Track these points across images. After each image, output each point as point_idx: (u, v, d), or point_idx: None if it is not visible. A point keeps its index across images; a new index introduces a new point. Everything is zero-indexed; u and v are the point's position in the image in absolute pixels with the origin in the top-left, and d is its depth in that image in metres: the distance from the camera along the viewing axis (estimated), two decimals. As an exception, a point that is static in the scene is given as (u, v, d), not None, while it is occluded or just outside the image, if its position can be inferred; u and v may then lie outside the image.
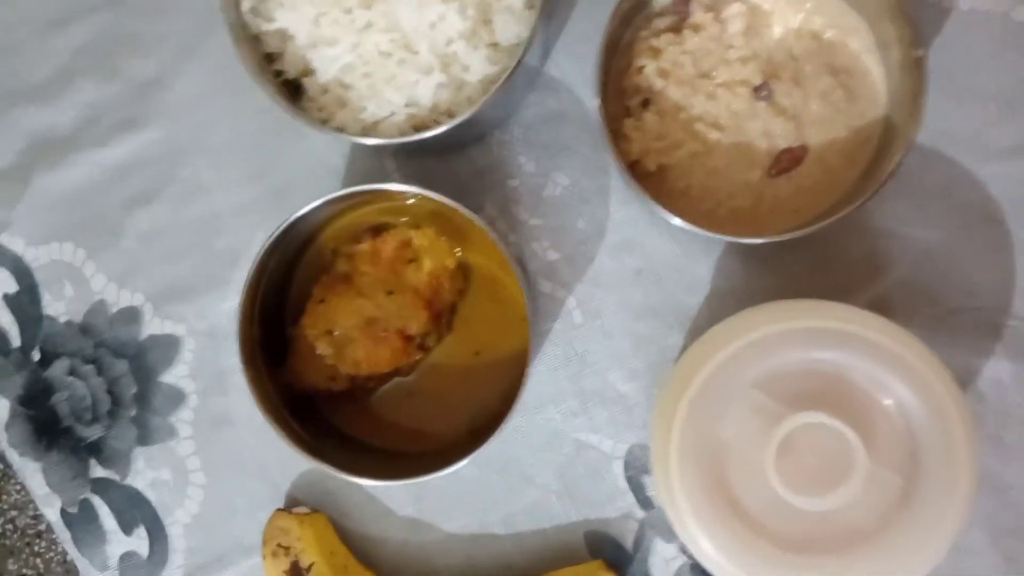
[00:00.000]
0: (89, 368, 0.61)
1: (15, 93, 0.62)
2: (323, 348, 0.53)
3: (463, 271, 0.56)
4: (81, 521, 0.61)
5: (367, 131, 0.53)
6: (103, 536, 0.61)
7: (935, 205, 0.56)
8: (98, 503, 0.61)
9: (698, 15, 0.52)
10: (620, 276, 0.58)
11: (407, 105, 0.52)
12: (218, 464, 0.60)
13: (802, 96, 0.52)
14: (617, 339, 0.58)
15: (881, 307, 0.55)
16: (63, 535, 0.61)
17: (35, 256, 0.62)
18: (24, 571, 1.10)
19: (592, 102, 0.58)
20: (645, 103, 0.53)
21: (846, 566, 0.45)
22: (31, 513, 1.11)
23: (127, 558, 0.61)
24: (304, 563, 0.55)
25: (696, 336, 0.53)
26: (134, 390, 0.61)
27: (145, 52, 0.61)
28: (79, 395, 0.61)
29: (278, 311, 0.56)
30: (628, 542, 0.57)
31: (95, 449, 0.61)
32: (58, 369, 0.62)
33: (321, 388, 0.54)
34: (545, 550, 0.58)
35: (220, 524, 0.60)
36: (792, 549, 0.45)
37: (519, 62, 0.49)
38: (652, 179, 0.54)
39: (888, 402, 0.45)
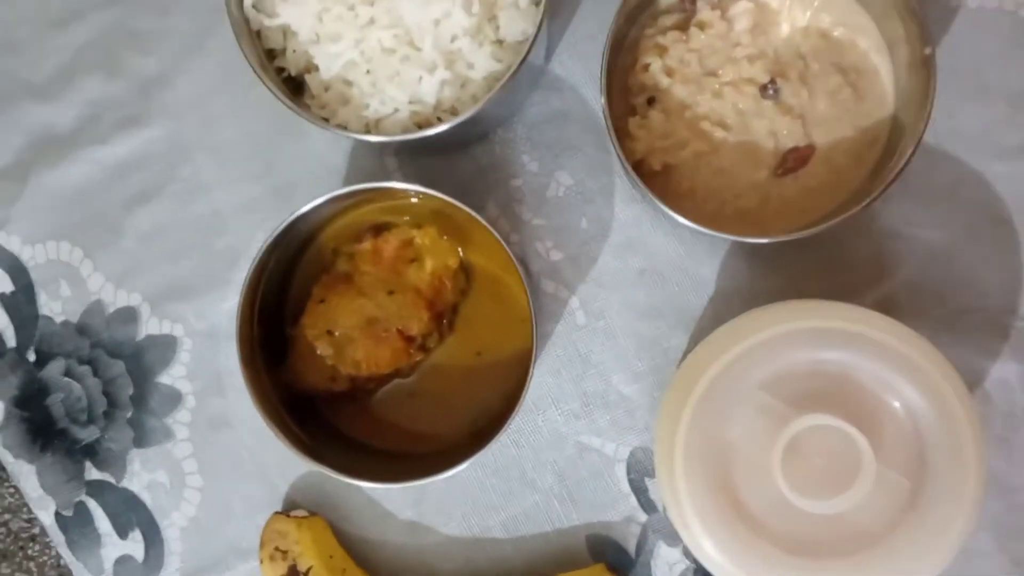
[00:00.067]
0: (85, 369, 0.61)
1: (16, 90, 0.62)
2: (323, 348, 0.53)
3: (465, 271, 0.56)
4: (76, 524, 0.60)
5: (369, 129, 0.53)
6: (98, 539, 0.60)
7: (942, 205, 0.56)
8: (93, 506, 0.60)
9: (705, 12, 0.52)
10: (624, 276, 0.58)
11: (410, 102, 0.52)
12: (215, 466, 0.60)
13: (809, 95, 0.52)
14: (620, 340, 0.57)
15: (888, 308, 0.55)
16: (57, 538, 0.61)
17: (31, 255, 0.62)
18: (17, 575, 1.09)
19: (596, 101, 0.58)
20: (650, 101, 0.53)
21: (853, 569, 0.44)
22: (25, 516, 1.10)
23: (122, 562, 0.60)
24: (302, 567, 0.55)
25: (700, 337, 0.53)
26: (131, 391, 0.60)
27: (147, 50, 0.61)
28: (75, 396, 0.61)
29: (277, 311, 0.56)
30: (631, 546, 0.57)
31: (90, 451, 0.60)
32: (54, 370, 0.61)
33: (321, 389, 0.54)
34: (546, 554, 0.57)
35: (217, 527, 0.59)
36: (798, 552, 0.45)
37: (524, 59, 0.49)
38: (657, 178, 0.53)
39: (895, 403, 0.45)
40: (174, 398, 0.60)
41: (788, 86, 0.51)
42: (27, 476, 0.61)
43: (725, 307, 0.57)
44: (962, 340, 0.55)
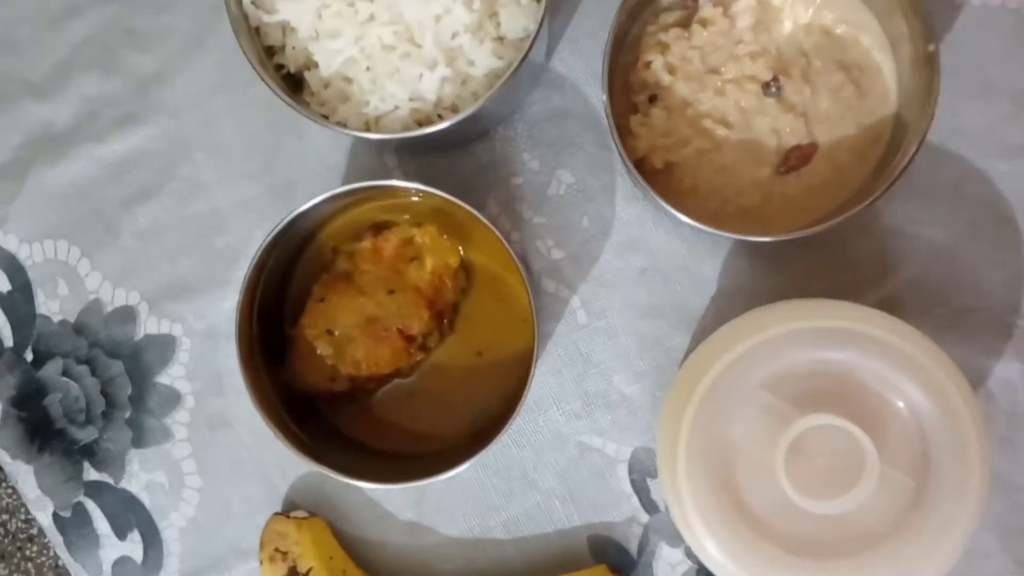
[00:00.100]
0: (83, 368, 0.60)
1: (13, 88, 0.62)
2: (323, 348, 0.53)
3: (465, 270, 0.55)
4: (74, 525, 0.60)
5: (369, 126, 0.52)
6: (96, 541, 0.60)
7: (945, 203, 0.55)
8: (91, 507, 0.60)
9: (707, 9, 0.52)
10: (625, 275, 0.57)
11: (411, 100, 0.51)
12: (214, 467, 0.59)
13: (812, 92, 0.51)
14: (622, 339, 0.57)
15: (891, 307, 0.55)
16: (55, 539, 0.60)
17: (29, 254, 0.61)
18: (15, 576, 1.09)
19: (597, 98, 0.57)
20: (652, 99, 0.53)
21: (857, 570, 0.44)
22: (23, 517, 1.10)
23: (121, 563, 0.60)
24: (302, 568, 0.55)
25: (702, 336, 0.52)
26: (129, 391, 0.60)
27: (145, 47, 0.61)
28: (73, 396, 0.60)
29: (277, 310, 0.55)
30: (632, 546, 0.57)
31: (89, 451, 0.60)
32: (51, 369, 0.61)
33: (321, 389, 0.54)
34: (548, 555, 0.57)
35: (216, 528, 0.59)
36: (801, 553, 0.44)
37: (525, 56, 0.49)
38: (659, 177, 0.53)
39: (899, 403, 0.44)
40: (173, 398, 0.60)
41: (790, 83, 0.51)
42: (25, 477, 0.61)
43: (727, 306, 0.56)
44: (965, 339, 0.55)
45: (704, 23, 0.52)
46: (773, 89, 0.51)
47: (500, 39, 0.52)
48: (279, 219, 0.51)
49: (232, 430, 0.59)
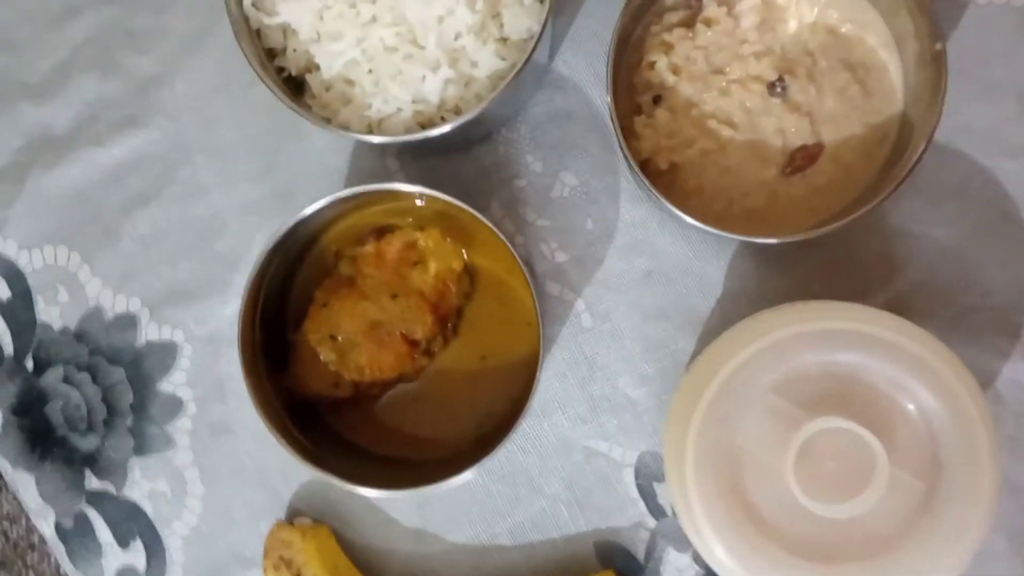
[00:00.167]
0: (84, 376, 0.60)
1: (12, 90, 0.62)
2: (326, 354, 0.52)
3: (469, 274, 0.55)
4: (76, 535, 0.60)
5: (372, 129, 0.52)
6: (99, 550, 0.60)
7: (951, 203, 0.55)
8: (93, 516, 0.60)
9: (711, 9, 0.52)
10: (630, 278, 0.57)
11: (413, 102, 0.51)
12: (217, 474, 0.59)
13: (817, 92, 0.51)
14: (627, 343, 0.57)
15: (898, 308, 0.54)
16: (57, 549, 0.60)
17: (28, 260, 0.61)
18: (17, 584, 1.09)
19: (601, 100, 0.57)
20: (656, 100, 0.52)
21: (867, 574, 0.44)
22: (24, 525, 1.09)
23: (124, 572, 0.60)
24: None
25: (708, 340, 0.52)
26: (130, 398, 0.59)
27: (144, 49, 0.60)
28: (74, 404, 0.60)
29: (279, 315, 0.55)
30: (639, 552, 0.56)
31: (90, 460, 0.60)
32: (52, 377, 0.60)
33: (324, 395, 0.53)
34: (554, 561, 0.57)
35: (219, 536, 0.59)
36: (811, 557, 0.44)
37: (529, 56, 0.48)
38: (663, 178, 0.53)
39: (908, 405, 0.44)
40: (175, 405, 0.59)
41: (796, 83, 0.51)
42: (26, 485, 0.60)
43: (733, 308, 0.56)
44: (973, 340, 0.54)
45: (708, 23, 0.51)
46: (778, 89, 0.51)
47: (503, 40, 0.52)
48: (280, 222, 0.50)
49: (234, 437, 0.59)
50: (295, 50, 0.53)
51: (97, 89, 0.61)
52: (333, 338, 0.52)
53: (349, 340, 0.52)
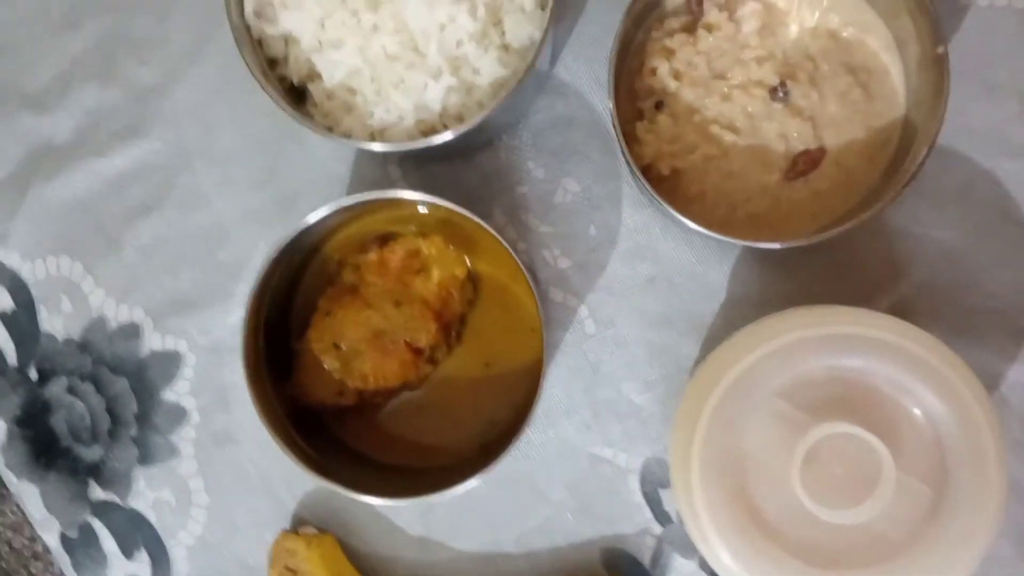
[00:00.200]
0: (88, 386, 0.60)
1: (12, 101, 0.61)
2: (330, 362, 0.52)
3: (472, 281, 0.55)
4: (81, 545, 0.60)
5: (374, 137, 0.52)
6: (104, 560, 0.60)
7: (954, 205, 0.55)
8: (98, 526, 0.60)
9: (712, 14, 0.51)
10: (633, 284, 0.57)
11: (416, 110, 0.51)
12: (221, 483, 0.59)
13: (819, 97, 0.51)
14: (631, 348, 0.57)
15: (902, 311, 0.54)
16: (62, 560, 0.60)
17: (31, 271, 0.61)
18: (20, 594, 1.08)
19: (602, 105, 0.57)
20: (658, 105, 0.52)
21: (875, 580, 0.43)
22: (27, 535, 1.09)
23: (129, 582, 0.59)
24: (312, 584, 0.54)
25: (712, 345, 0.52)
26: (134, 408, 0.59)
27: (146, 58, 0.60)
28: (78, 414, 0.60)
29: (282, 324, 0.55)
30: (645, 558, 0.56)
31: (94, 470, 0.60)
32: (56, 388, 0.60)
33: (328, 403, 0.53)
34: (560, 568, 0.57)
35: (224, 546, 0.59)
36: (818, 563, 0.44)
37: (531, 63, 0.48)
38: (666, 183, 0.53)
39: (914, 409, 0.44)
40: (178, 414, 0.59)
41: (798, 88, 0.51)
42: (31, 497, 0.60)
43: (736, 313, 0.56)
44: (977, 342, 0.54)
45: (709, 28, 0.51)
46: (780, 94, 0.51)
47: (505, 47, 0.52)
48: (282, 231, 0.50)
49: (238, 446, 0.59)
50: (297, 59, 0.53)
51: (98, 99, 0.60)
52: (337, 346, 0.52)
53: (353, 348, 0.52)
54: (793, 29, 0.52)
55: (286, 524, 0.58)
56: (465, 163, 0.58)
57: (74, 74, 0.61)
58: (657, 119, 0.52)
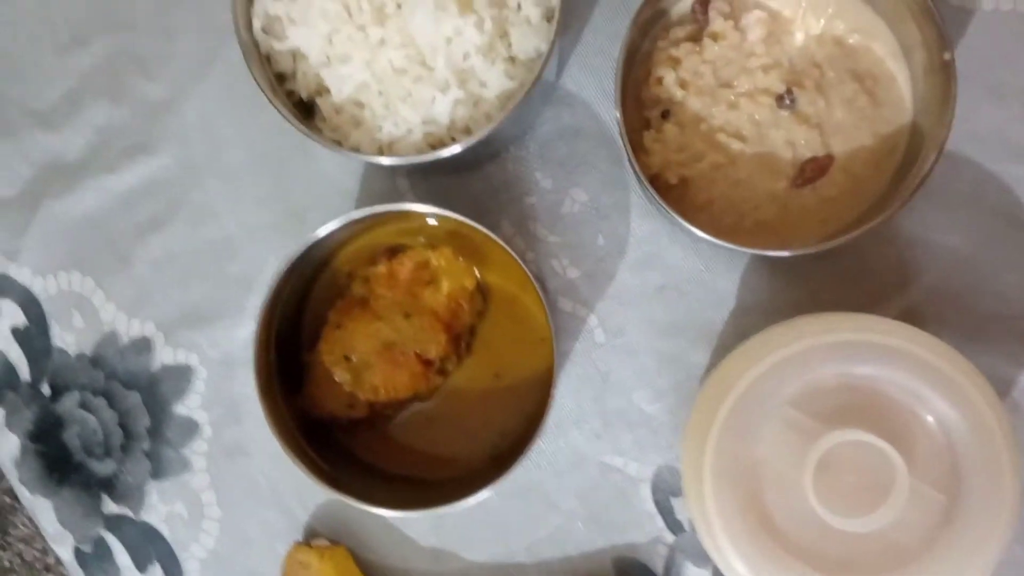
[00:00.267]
0: (100, 401, 0.60)
1: (23, 119, 0.62)
2: (340, 374, 0.52)
3: (482, 291, 0.55)
4: (95, 559, 0.60)
5: (383, 151, 0.52)
6: (117, 574, 0.60)
7: (962, 210, 0.55)
8: (111, 540, 0.60)
9: (717, 23, 0.52)
10: (642, 293, 0.57)
11: (424, 123, 0.51)
12: (234, 496, 0.59)
13: (826, 104, 0.51)
14: (641, 357, 0.57)
15: (912, 317, 0.54)
16: (76, 574, 0.60)
17: (43, 287, 0.61)
18: (33, 606, 1.09)
19: (608, 115, 0.57)
20: (665, 114, 0.52)
21: (889, 587, 0.43)
22: (39, 546, 1.10)
23: (142, 596, 0.60)
24: (325, 597, 0.54)
25: (722, 353, 0.52)
26: (147, 422, 0.60)
27: (154, 75, 0.61)
28: (90, 429, 0.60)
29: (292, 337, 0.55)
30: (658, 567, 0.56)
31: (107, 484, 0.60)
32: (68, 403, 0.60)
33: (339, 415, 0.53)
34: (572, 577, 0.56)
35: (237, 558, 0.59)
36: (831, 571, 0.44)
37: (538, 75, 0.48)
38: (673, 192, 0.53)
39: (927, 416, 0.44)
40: (190, 428, 0.59)
41: (804, 95, 0.51)
42: (45, 511, 0.60)
43: (746, 321, 0.56)
44: (988, 348, 0.54)
45: (715, 37, 0.51)
46: (787, 101, 0.51)
47: (511, 60, 0.52)
48: (292, 245, 0.50)
49: (250, 459, 0.59)
50: (305, 74, 0.53)
51: (107, 116, 0.61)
52: (347, 359, 0.53)
53: (363, 360, 0.52)
54: (799, 37, 0.52)
55: (298, 536, 0.58)
56: (473, 175, 0.58)
57: (83, 92, 0.61)
58: (664, 128, 0.52)
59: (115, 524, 0.60)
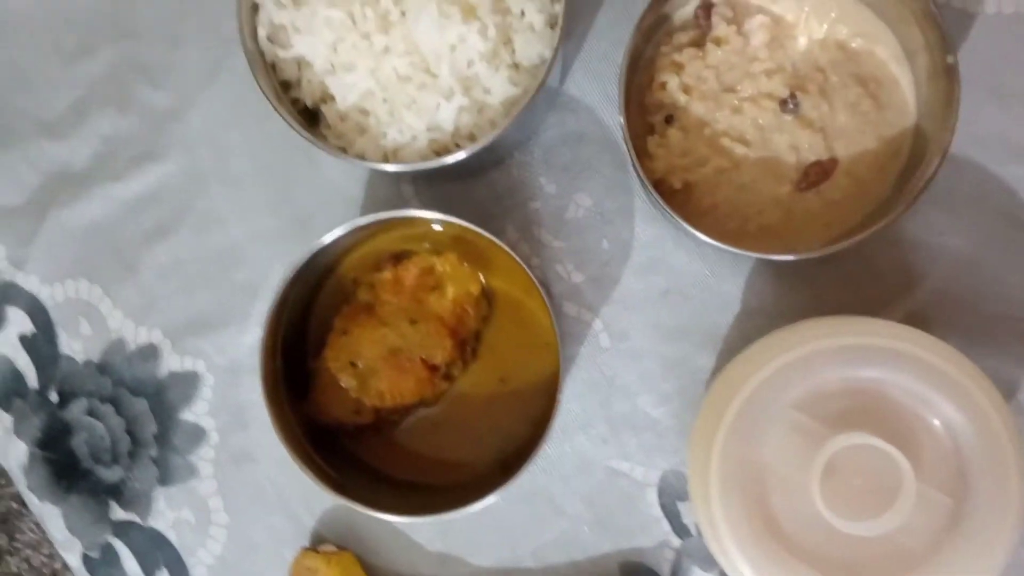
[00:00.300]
0: (108, 408, 0.60)
1: (30, 128, 0.62)
2: (346, 380, 0.53)
3: (487, 297, 0.55)
4: (103, 565, 0.60)
5: (388, 157, 0.52)
6: (125, 580, 0.60)
7: (966, 212, 0.55)
8: (119, 546, 0.60)
9: (720, 28, 0.52)
10: (647, 297, 0.57)
11: (428, 130, 0.51)
12: (241, 502, 0.59)
13: (829, 108, 0.51)
14: (646, 362, 0.57)
15: (917, 320, 0.54)
16: (84, 581, 0.60)
17: (50, 294, 0.62)
18: (40, 613, 1.09)
19: (612, 121, 0.57)
20: (668, 119, 0.52)
21: (895, 591, 0.43)
22: (45, 552, 1.10)
23: (150, 602, 0.60)
24: (332, 602, 0.54)
25: (727, 357, 0.52)
26: (154, 429, 0.60)
27: (160, 83, 0.61)
28: (98, 436, 0.60)
29: (298, 343, 0.55)
30: (665, 572, 0.56)
31: (115, 491, 0.60)
32: (76, 410, 0.61)
33: (345, 421, 0.53)
34: (579, 582, 0.56)
35: (244, 564, 0.59)
36: (838, 575, 0.43)
37: (542, 81, 0.48)
38: (678, 197, 0.53)
39: (933, 419, 0.44)
40: (197, 434, 0.60)
41: (808, 99, 0.51)
42: (53, 518, 0.61)
43: (751, 325, 0.56)
44: (994, 350, 0.54)
45: (718, 42, 0.52)
46: (790, 106, 0.51)
47: (515, 66, 0.52)
48: (297, 251, 0.51)
49: (257, 465, 0.59)
50: (310, 82, 0.53)
51: (114, 124, 0.61)
52: (353, 365, 0.53)
53: (369, 366, 0.53)
54: (802, 41, 0.52)
55: (305, 542, 0.58)
56: (477, 180, 0.58)
57: (90, 101, 0.61)
58: (668, 133, 0.52)
59: (123, 530, 0.60)
